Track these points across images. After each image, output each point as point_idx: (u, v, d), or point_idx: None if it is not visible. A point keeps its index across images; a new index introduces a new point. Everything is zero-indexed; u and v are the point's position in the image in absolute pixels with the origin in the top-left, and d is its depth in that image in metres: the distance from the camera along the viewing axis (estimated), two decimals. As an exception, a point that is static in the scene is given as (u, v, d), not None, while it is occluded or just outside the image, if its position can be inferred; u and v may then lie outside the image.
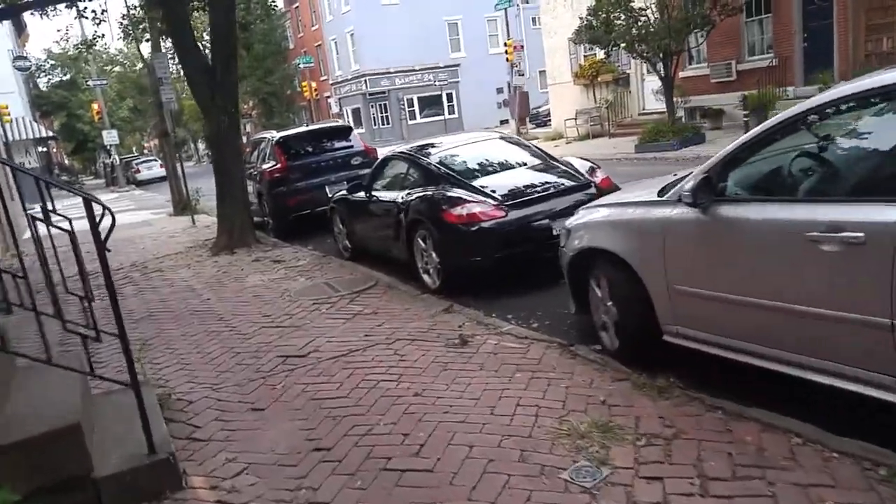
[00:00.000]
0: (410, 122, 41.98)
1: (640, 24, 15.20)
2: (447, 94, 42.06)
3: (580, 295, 4.46)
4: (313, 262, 8.47)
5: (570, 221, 4.49)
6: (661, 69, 15.53)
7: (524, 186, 6.14)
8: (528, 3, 38.88)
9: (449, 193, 6.14)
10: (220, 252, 9.90)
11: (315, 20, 46.44)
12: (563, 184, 6.09)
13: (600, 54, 21.50)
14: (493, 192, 6.03)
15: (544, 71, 35.80)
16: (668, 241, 3.46)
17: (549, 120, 29.60)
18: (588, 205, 4.67)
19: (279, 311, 6.24)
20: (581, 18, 16.75)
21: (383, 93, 41.82)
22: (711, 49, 16.91)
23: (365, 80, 41.25)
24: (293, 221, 11.26)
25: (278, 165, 11.32)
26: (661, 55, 15.27)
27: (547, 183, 6.12)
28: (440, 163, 6.72)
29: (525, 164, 6.70)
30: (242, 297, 7.04)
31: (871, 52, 14.26)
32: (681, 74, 17.09)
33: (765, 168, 3.23)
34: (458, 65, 42.24)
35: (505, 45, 27.29)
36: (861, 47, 14.32)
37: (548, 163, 6.75)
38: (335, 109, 45.94)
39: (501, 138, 7.52)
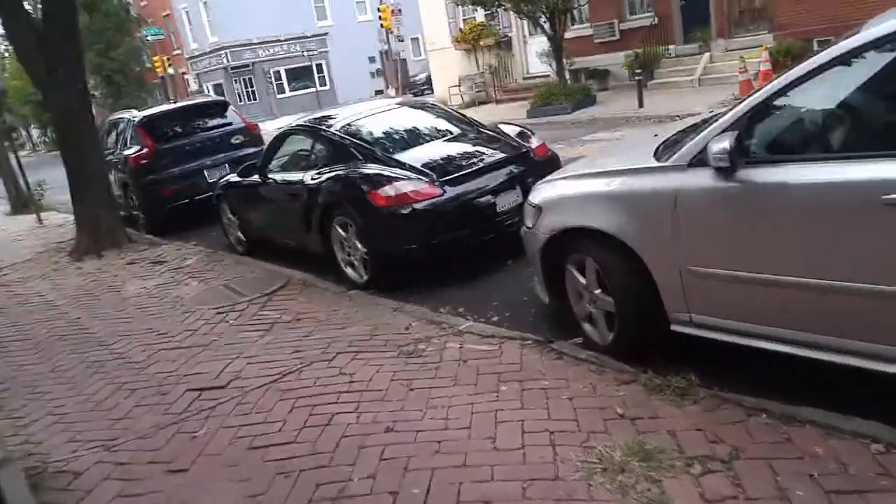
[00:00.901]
0: (279, 96, 39.74)
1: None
2: (317, 65, 40.10)
3: (553, 282, 3.82)
4: (203, 261, 7.30)
5: (538, 197, 3.81)
6: (549, 29, 15.20)
7: (457, 159, 5.39)
8: (395, -34, 37.68)
9: (371, 171, 5.28)
10: (84, 256, 8.38)
11: (161, -14, 42.43)
12: (498, 153, 5.39)
13: (480, 17, 20.97)
14: (423, 167, 5.23)
15: (417, 38, 35.10)
16: (683, 214, 2.87)
17: (426, 88, 28.88)
18: (553, 176, 4.02)
19: (176, 326, 5.15)
20: (462, -22, 16.06)
21: (247, 66, 39.18)
22: (594, 9, 16.82)
23: (226, 53, 38.37)
24: (169, 214, 9.84)
25: (144, 150, 9.79)
26: (547, 14, 14.92)
27: (481, 153, 5.40)
28: (353, 135, 5.81)
29: (450, 134, 5.93)
30: (124, 311, 5.83)
31: (744, 8, 14.68)
32: (565, 36, 16.87)
33: (809, 120, 2.70)
34: (326, 34, 40.31)
35: (378, 10, 26.08)
36: (735, 4, 14.69)
37: (474, 130, 6.03)
38: (194, 86, 42.54)
39: (415, 105, 6.68)
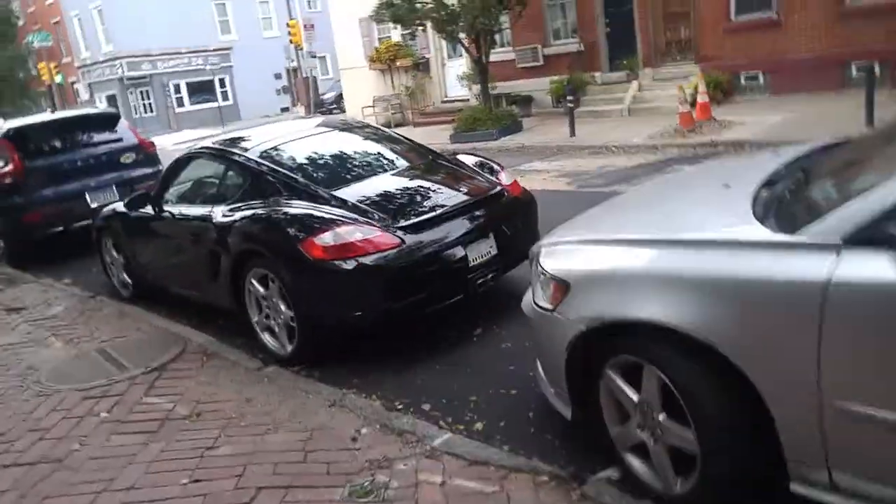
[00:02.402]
0: (179, 110, 37.07)
1: (445, 1, 13.90)
2: (220, 80, 37.67)
3: (580, 390, 2.73)
4: (74, 310, 5.76)
5: (560, 264, 2.74)
6: (474, 50, 14.41)
7: (414, 198, 4.27)
8: (302, -19, 36.17)
9: (302, 210, 4.06)
10: None
11: (50, -9, 38.92)
12: (464, 192, 4.31)
13: (396, 37, 20.03)
14: (372, 207, 4.08)
15: (325, 56, 33.74)
16: (833, 320, 1.86)
17: (335, 107, 27.56)
18: (572, 234, 2.97)
19: (19, 420, 3.70)
20: (380, -6, 15.00)
21: (145, 77, 36.37)
22: (517, 33, 16.21)
23: (121, 64, 35.48)
24: (37, 243, 8.10)
25: (9, 167, 8.04)
26: (472, 35, 14.13)
27: (443, 191, 4.30)
28: (275, 162, 4.56)
29: (400, 165, 4.80)
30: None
31: (670, 39, 14.51)
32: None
33: None
34: (230, 48, 38.15)
35: (288, 25, 24.58)
36: (662, 34, 14.50)
37: (430, 161, 4.93)
38: (85, 97, 39.12)
39: (349, 127, 5.49)
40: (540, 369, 3.06)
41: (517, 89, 16.67)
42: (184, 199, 5.27)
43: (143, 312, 5.46)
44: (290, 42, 23.53)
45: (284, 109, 37.70)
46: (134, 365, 4.26)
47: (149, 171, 8.78)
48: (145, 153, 8.99)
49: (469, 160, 4.99)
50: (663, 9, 14.33)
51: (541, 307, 2.82)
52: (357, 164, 4.74)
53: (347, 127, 5.44)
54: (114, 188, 8.43)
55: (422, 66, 19.39)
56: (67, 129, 8.79)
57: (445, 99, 19.36)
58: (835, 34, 12.12)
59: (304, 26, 22.57)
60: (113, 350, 4.58)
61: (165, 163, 8.94)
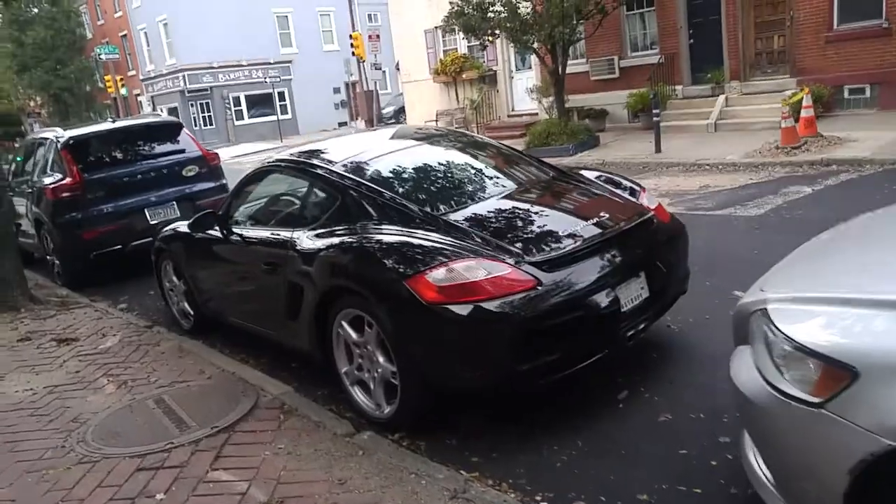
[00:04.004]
0: (238, 123, 37.29)
1: (519, 9, 13.11)
2: (279, 93, 37.75)
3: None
4: (130, 343, 5.10)
5: (834, 337, 1.86)
6: (549, 61, 13.56)
7: (545, 226, 3.40)
8: (363, -5, 36.04)
9: (409, 240, 3.24)
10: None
11: (118, 6, 39.83)
12: (609, 219, 3.41)
13: (462, 48, 19.36)
14: (496, 237, 3.23)
15: (384, 70, 33.35)
16: None
17: (394, 121, 27.08)
18: (841, 288, 2.06)
19: (51, 494, 2.96)
20: (451, 3, 14.32)
21: (205, 90, 36.73)
22: (591, 44, 15.29)
23: (183, 76, 35.93)
24: (94, 262, 7.56)
25: (67, 180, 7.54)
26: (549, 46, 13.29)
27: (581, 217, 3.42)
28: (371, 179, 3.77)
29: (520, 184, 3.93)
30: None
31: (761, 49, 13.38)
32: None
33: None
34: (290, 61, 38.26)
35: (351, 38, 24.22)
36: (751, 45, 13.38)
37: (555, 179, 4.05)
38: (147, 109, 39.88)
39: (449, 140, 4.62)
40: (767, 480, 2.15)
41: (590, 103, 15.76)
42: (257, 220, 4.55)
43: (205, 350, 4.75)
44: (353, 54, 23.09)
45: (342, 124, 37.58)
46: (197, 422, 3.51)
47: (212, 185, 8.22)
48: (209, 166, 8.39)
49: (596, 177, 4.10)
50: (755, 17, 13.24)
51: (790, 396, 1.92)
52: (467, 182, 3.90)
53: (447, 137, 4.59)
54: (174, 204, 7.87)
55: (488, 79, 18.64)
56: (128, 139, 8.25)
57: (512, 112, 18.56)
58: (954, 44, 10.90)
59: (369, 36, 22.07)
60: (172, 400, 3.85)
61: (228, 177, 8.48)
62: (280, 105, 37.30)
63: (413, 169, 3.95)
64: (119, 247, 7.57)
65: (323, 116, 37.55)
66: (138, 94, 41.05)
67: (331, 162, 4.01)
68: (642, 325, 3.34)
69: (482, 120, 18.95)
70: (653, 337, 3.92)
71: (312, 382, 4.03)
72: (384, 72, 34.04)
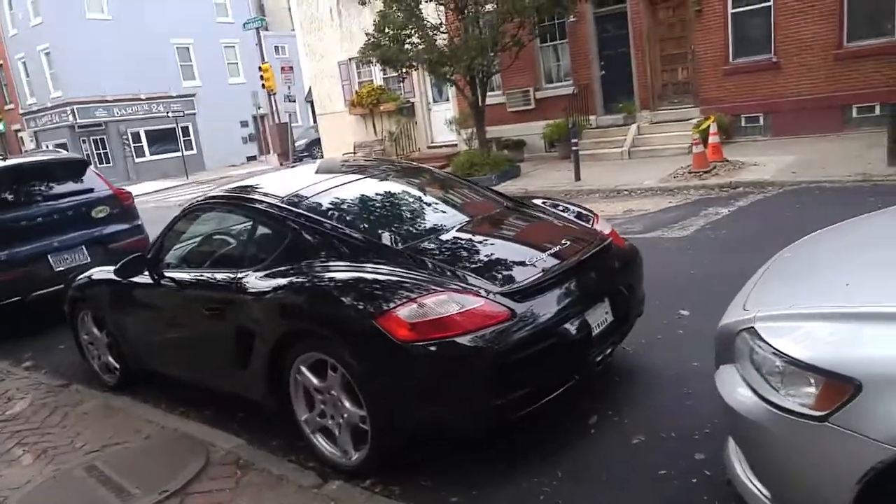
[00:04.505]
0: (138, 160, 35.52)
1: (437, 41, 13.29)
2: (183, 128, 36.19)
3: None
4: (43, 404, 4.61)
5: (848, 354, 1.86)
6: (468, 92, 13.77)
7: (509, 255, 3.33)
8: (267, 30, 35.51)
9: (375, 276, 3.09)
10: None
11: (-8, 34, 37.26)
12: (570, 245, 3.38)
13: (378, 80, 19.40)
14: (461, 268, 3.13)
15: (295, 101, 32.97)
16: None
17: (307, 155, 26.67)
18: (830, 302, 2.09)
19: None
20: (367, 35, 14.34)
21: (99, 125, 34.65)
22: (507, 76, 15.68)
23: (72, 110, 33.64)
24: (-12, 316, 6.87)
25: (-46, 225, 6.82)
26: (468, 77, 13.51)
27: (544, 245, 3.36)
28: (322, 213, 3.58)
29: (476, 214, 3.85)
30: None
31: (667, 81, 14.16)
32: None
33: None
34: (193, 95, 36.97)
35: (260, 69, 23.76)
36: (659, 76, 14.14)
37: (510, 208, 3.98)
38: (31, 146, 37.20)
39: (390, 172, 4.50)
40: (761, 494, 2.14)
41: (507, 134, 16.11)
42: (192, 261, 4.25)
43: (137, 406, 4.35)
44: (263, 87, 22.61)
45: (251, 158, 36.69)
46: (142, 489, 3.16)
47: (126, 226, 7.66)
48: (121, 206, 7.82)
49: (548, 204, 4.11)
50: (660, 51, 14.02)
51: (789, 411, 1.93)
52: (423, 215, 3.80)
53: (392, 169, 4.47)
54: (83, 248, 7.26)
55: (406, 111, 18.72)
56: (23, 178, 7.45)
57: (432, 144, 18.70)
58: (834, 76, 11.95)
59: (282, 69, 21.73)
60: (106, 465, 3.47)
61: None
62: (184, 140, 35.82)
63: (364, 202, 3.81)
64: (18, 298, 6.91)
65: (230, 151, 36.49)
66: (18, 130, 38.29)
67: (278, 197, 3.79)
68: (609, 350, 3.35)
69: (401, 151, 18.97)
70: (612, 360, 3.92)
71: (264, 432, 3.75)
72: (295, 104, 33.71)
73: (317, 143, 24.94)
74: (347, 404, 3.08)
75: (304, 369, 3.23)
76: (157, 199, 21.63)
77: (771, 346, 2.03)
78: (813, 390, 1.90)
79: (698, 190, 9.90)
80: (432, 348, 2.81)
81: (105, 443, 3.77)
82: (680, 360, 3.91)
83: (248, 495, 3.02)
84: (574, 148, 12.08)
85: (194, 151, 36.67)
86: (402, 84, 18.46)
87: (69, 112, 33.72)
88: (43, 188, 7.53)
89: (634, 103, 14.24)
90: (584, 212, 3.98)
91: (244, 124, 38.12)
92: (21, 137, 38.28)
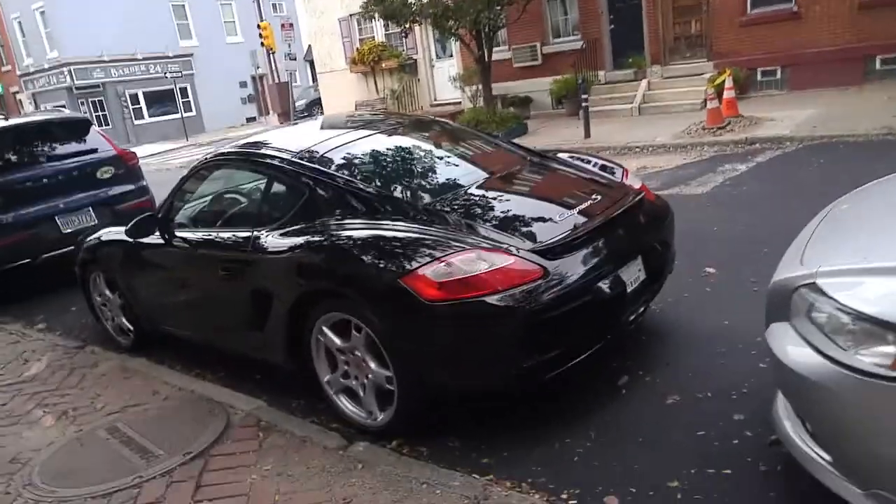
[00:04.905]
0: (137, 122, 35.06)
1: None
2: (181, 89, 35.50)
3: None
4: (59, 366, 4.55)
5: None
6: (474, 48, 13.43)
7: (539, 211, 3.20)
8: (266, -17, 34.64)
9: (401, 234, 2.97)
10: None
11: (-15, -8, 36.41)
12: (602, 200, 3.24)
13: (380, 36, 18.95)
14: (490, 226, 3.01)
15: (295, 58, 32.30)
16: None
17: (307, 115, 26.23)
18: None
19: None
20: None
21: (97, 86, 34.10)
22: (513, 31, 15.27)
23: (70, 71, 33.08)
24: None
25: (-50, 187, 6.69)
26: (473, 32, 13.15)
27: (574, 201, 3.21)
28: (342, 168, 3.44)
29: (502, 169, 3.68)
30: None
31: (680, 34, 13.77)
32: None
33: None
34: (191, 55, 36.27)
35: (259, 27, 23.22)
36: (671, 30, 13.75)
37: (536, 162, 3.83)
38: (29, 108, 36.76)
39: (412, 122, 4.33)
40: (822, 459, 2.05)
41: (514, 90, 15.77)
42: (201, 221, 4.12)
43: (153, 367, 4.28)
44: (262, 45, 22.11)
45: (251, 119, 36.22)
46: (165, 450, 3.11)
47: (131, 187, 7.54)
48: (126, 167, 7.67)
49: (574, 158, 3.96)
50: (672, 2, 13.60)
51: (863, 371, 1.82)
52: (445, 170, 3.65)
53: (410, 123, 4.30)
54: (90, 210, 7.14)
55: (408, 68, 18.34)
56: (26, 138, 7.30)
57: (435, 102, 18.36)
58: (857, 26, 11.56)
59: (282, 26, 21.20)
60: (128, 427, 3.41)
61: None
62: (183, 102, 35.24)
63: (385, 158, 3.65)
64: (27, 260, 6.84)
65: (230, 112, 35.94)
66: (16, 92, 37.75)
67: (287, 152, 3.65)
68: (642, 309, 3.25)
69: (404, 110, 18.63)
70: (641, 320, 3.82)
71: (283, 393, 3.69)
72: (296, 62, 33.07)
73: (317, 102, 24.51)
74: (372, 365, 2.99)
75: (326, 329, 3.13)
76: (159, 160, 21.39)
77: (838, 302, 1.91)
78: (891, 349, 1.78)
79: (713, 147, 9.68)
80: (461, 308, 2.70)
81: (125, 404, 3.71)
82: (710, 318, 3.81)
83: (273, 457, 2.96)
84: (584, 104, 11.80)
85: (193, 113, 36.18)
86: (404, 40, 18.03)
87: (66, 73, 33.17)
88: (46, 149, 7.39)
89: (645, 58, 13.89)
90: (613, 165, 3.84)
91: (243, 85, 37.53)
92: (20, 100, 37.78)
